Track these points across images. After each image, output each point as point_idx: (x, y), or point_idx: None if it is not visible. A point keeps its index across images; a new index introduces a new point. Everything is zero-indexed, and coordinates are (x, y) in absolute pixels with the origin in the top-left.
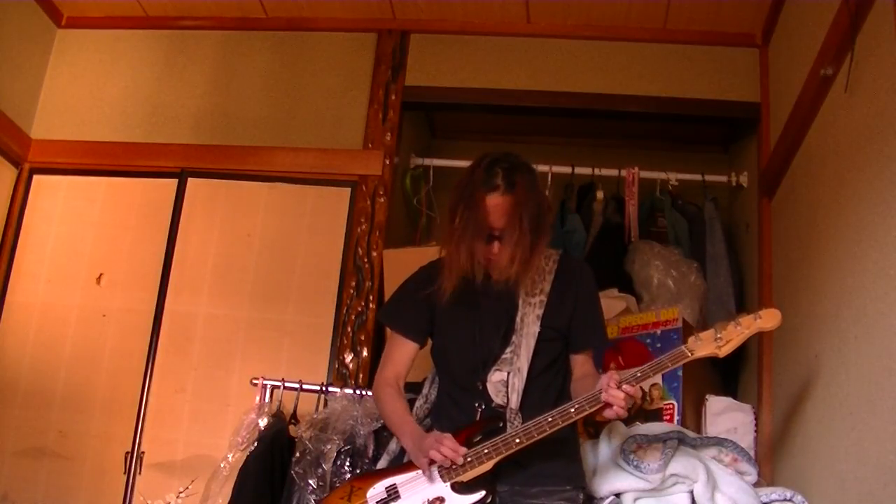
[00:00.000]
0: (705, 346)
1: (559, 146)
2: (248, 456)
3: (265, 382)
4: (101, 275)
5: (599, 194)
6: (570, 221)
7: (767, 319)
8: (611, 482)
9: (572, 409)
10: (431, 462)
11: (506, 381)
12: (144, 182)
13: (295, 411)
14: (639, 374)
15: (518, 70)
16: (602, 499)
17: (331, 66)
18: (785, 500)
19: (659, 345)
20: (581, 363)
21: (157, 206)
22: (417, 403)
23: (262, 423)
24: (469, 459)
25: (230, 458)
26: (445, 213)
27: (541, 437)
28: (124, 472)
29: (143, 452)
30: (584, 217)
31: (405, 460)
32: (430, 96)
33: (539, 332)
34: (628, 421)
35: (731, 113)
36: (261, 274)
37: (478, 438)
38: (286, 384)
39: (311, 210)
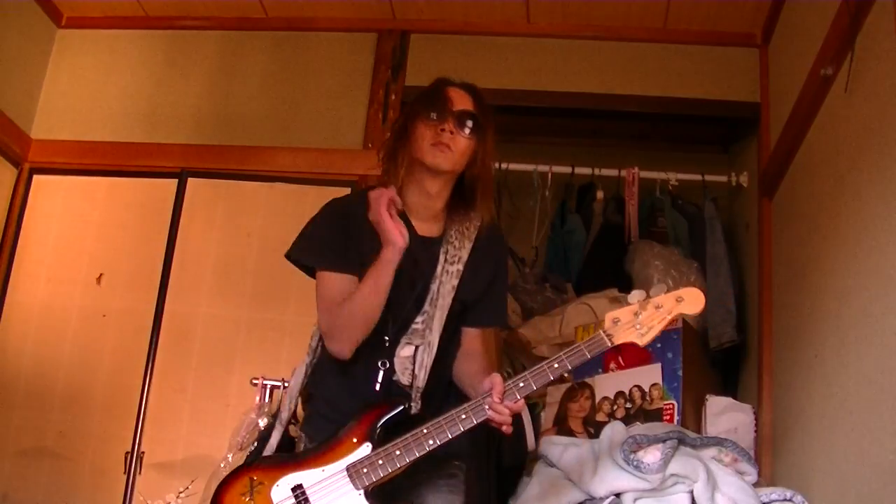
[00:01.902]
0: (625, 332)
1: (559, 146)
2: (247, 456)
3: (265, 382)
4: (101, 275)
5: (599, 194)
6: (570, 221)
7: (690, 303)
8: (611, 482)
9: (486, 406)
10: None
11: (413, 357)
12: (144, 182)
13: (295, 411)
14: (529, 376)
15: (518, 70)
16: (602, 499)
17: (331, 66)
18: (785, 500)
19: (659, 344)
20: (473, 337)
21: (157, 206)
22: (306, 360)
23: (262, 423)
24: (381, 462)
25: (230, 458)
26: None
27: (454, 436)
28: (124, 472)
29: (143, 452)
30: (584, 217)
31: (306, 446)
32: None
33: (450, 305)
34: (628, 421)
35: (731, 113)
36: (261, 274)
37: (380, 429)
38: (286, 384)
39: (311, 210)
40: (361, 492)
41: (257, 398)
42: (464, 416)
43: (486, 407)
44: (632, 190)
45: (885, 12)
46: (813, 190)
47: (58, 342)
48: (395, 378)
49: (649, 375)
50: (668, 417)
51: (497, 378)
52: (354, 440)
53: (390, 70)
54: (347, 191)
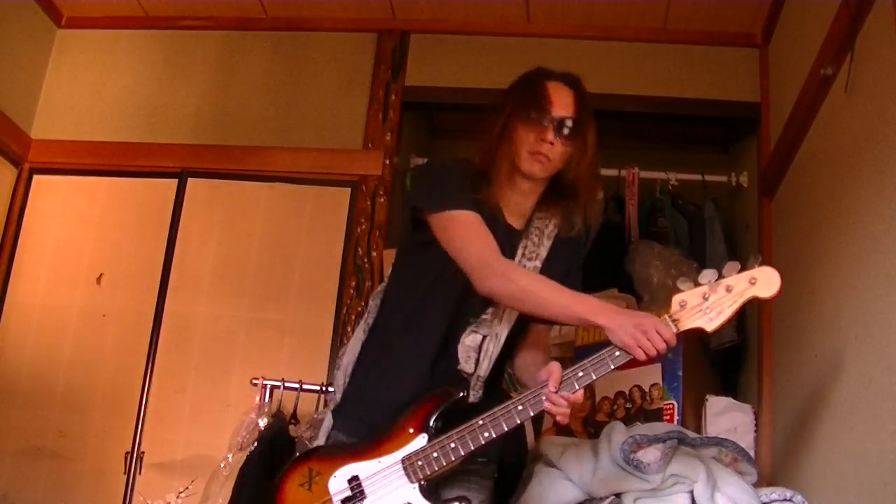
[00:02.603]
0: (692, 317)
1: None
2: (247, 456)
3: (265, 382)
4: (101, 275)
5: (599, 194)
6: None
7: (764, 285)
8: (611, 482)
9: (543, 397)
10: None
11: (478, 346)
12: (144, 182)
13: (295, 411)
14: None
15: (518, 70)
16: (602, 499)
17: (331, 66)
18: (785, 500)
19: None
20: (539, 332)
21: (157, 206)
22: (360, 337)
23: (262, 423)
24: (435, 455)
25: (230, 458)
26: (487, 113)
27: (511, 428)
28: (124, 472)
29: (143, 452)
30: None
31: (336, 437)
32: (430, 96)
33: None
34: (628, 421)
35: (731, 113)
36: (261, 274)
37: (435, 419)
38: (286, 384)
39: (311, 210)
40: (416, 485)
41: (257, 398)
42: (520, 408)
43: (543, 398)
44: (632, 190)
45: (885, 12)
46: (813, 190)
47: (58, 342)
48: (459, 367)
49: (649, 375)
50: (668, 417)
51: (555, 366)
52: (411, 430)
53: (390, 70)
54: (347, 191)
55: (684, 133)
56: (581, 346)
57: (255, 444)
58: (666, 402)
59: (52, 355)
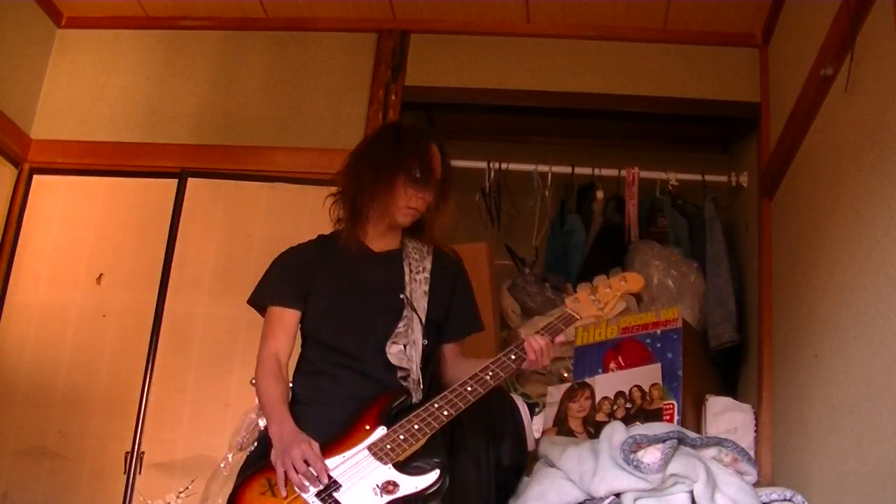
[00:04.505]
0: (587, 308)
1: (559, 146)
2: (247, 456)
3: None
4: (101, 275)
5: (599, 194)
6: (570, 221)
7: (632, 283)
8: (610, 482)
9: (487, 376)
10: (287, 476)
11: (404, 352)
12: (144, 182)
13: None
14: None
15: (518, 70)
16: (602, 499)
17: (331, 66)
18: (785, 500)
19: (659, 345)
20: (455, 351)
21: (157, 206)
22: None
23: (262, 423)
24: (402, 437)
25: (230, 458)
26: (362, 161)
27: (466, 406)
28: (124, 472)
29: (143, 452)
30: (584, 217)
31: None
32: (430, 96)
33: (426, 309)
34: (628, 421)
35: (731, 113)
36: (261, 274)
37: (391, 414)
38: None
39: (311, 210)
40: (390, 465)
41: (257, 398)
42: (469, 389)
43: (489, 377)
44: (632, 190)
45: (885, 12)
46: (813, 190)
47: (58, 342)
48: (399, 370)
49: (649, 375)
50: (668, 417)
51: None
52: (367, 427)
53: (390, 70)
54: None
55: (684, 133)
56: (581, 347)
57: (256, 443)
58: (666, 402)
59: (52, 355)
